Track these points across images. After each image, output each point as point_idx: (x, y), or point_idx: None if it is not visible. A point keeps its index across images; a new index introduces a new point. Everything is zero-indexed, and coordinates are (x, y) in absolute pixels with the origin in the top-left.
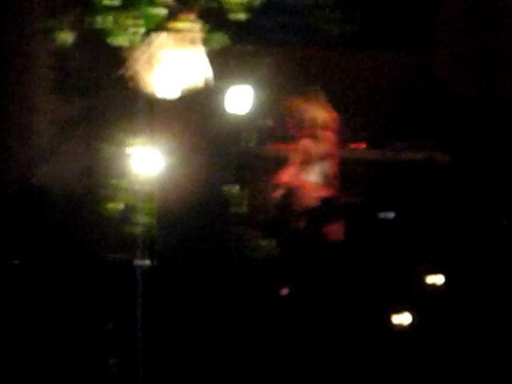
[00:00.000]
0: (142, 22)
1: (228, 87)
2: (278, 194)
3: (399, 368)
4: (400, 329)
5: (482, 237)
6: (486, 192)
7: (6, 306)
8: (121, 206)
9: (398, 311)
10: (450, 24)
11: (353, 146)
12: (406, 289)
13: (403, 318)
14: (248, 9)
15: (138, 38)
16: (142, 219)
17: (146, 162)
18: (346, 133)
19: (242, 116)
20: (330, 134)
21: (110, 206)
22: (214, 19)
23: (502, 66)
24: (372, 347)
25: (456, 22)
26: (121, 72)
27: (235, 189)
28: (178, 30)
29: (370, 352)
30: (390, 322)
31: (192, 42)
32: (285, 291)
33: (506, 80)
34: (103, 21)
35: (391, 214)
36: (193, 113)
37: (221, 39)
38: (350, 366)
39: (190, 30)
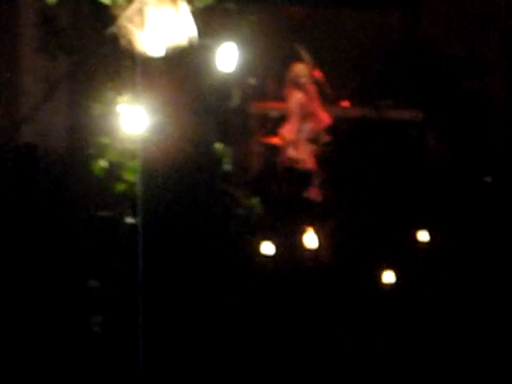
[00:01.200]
0: None
1: (213, 45)
2: (265, 152)
3: (386, 326)
4: (386, 286)
5: (467, 195)
6: (470, 151)
7: None
8: (107, 163)
9: (385, 268)
10: None
11: (338, 104)
12: (392, 246)
13: (389, 276)
14: None
15: None
16: (131, 177)
17: (132, 120)
18: (332, 91)
19: (228, 74)
20: (315, 93)
21: (97, 163)
22: None
23: (488, 26)
24: (359, 305)
25: None
26: (107, 30)
27: (221, 147)
28: None
29: (358, 309)
30: (378, 279)
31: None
32: (269, 250)
33: (491, 40)
34: None
35: (376, 172)
36: (179, 71)
37: None
38: (338, 325)
39: None
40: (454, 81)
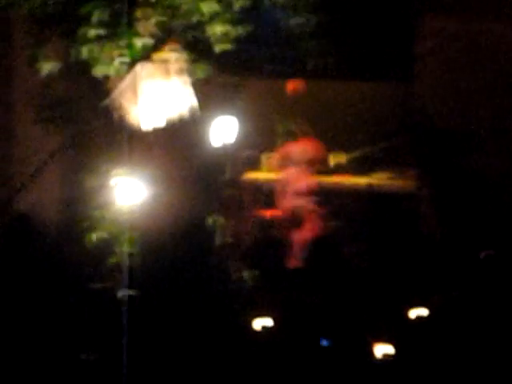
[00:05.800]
0: (126, 52)
1: (212, 118)
2: (261, 224)
3: None
4: (382, 360)
5: (466, 269)
6: (467, 225)
7: None
8: (103, 235)
9: (381, 342)
10: (430, 55)
11: (336, 176)
12: (389, 321)
13: (386, 350)
14: (232, 40)
15: (122, 68)
16: (125, 249)
17: (128, 192)
18: (329, 163)
19: (226, 146)
20: (313, 165)
21: (92, 235)
22: (199, 50)
23: (481, 98)
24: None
25: (436, 53)
26: (104, 102)
27: (218, 219)
28: (162, 60)
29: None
30: (372, 353)
31: (176, 72)
32: (266, 322)
33: (484, 113)
34: (88, 51)
35: (371, 245)
36: (176, 143)
37: (205, 69)
38: None
39: (174, 61)
40: (448, 154)
